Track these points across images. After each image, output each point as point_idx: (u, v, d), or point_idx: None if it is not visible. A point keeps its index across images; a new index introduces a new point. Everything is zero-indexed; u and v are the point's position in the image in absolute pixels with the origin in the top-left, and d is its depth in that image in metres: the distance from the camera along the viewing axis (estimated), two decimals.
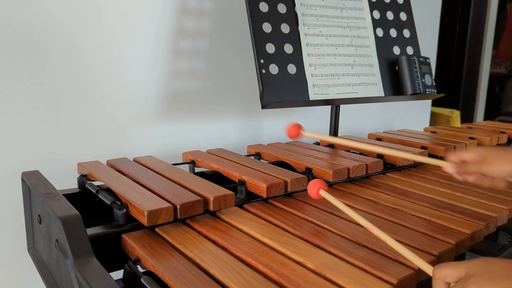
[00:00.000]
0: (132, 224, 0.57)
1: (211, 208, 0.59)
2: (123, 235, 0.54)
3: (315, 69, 1.00)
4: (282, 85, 0.93)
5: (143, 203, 0.55)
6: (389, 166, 0.90)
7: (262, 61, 0.91)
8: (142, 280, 0.45)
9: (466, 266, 0.38)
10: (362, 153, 0.95)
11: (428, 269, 0.44)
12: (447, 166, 0.61)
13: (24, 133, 0.89)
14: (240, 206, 0.65)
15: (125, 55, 1.00)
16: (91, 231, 0.54)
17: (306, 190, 0.73)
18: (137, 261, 0.50)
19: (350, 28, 1.09)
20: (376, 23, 1.14)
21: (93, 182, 0.68)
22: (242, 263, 0.47)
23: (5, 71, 0.85)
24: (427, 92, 1.16)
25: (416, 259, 0.45)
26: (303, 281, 0.43)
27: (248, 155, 0.90)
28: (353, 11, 1.10)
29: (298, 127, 0.74)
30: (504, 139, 1.18)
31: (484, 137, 1.12)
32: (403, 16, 1.20)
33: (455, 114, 2.08)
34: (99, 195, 0.62)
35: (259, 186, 0.67)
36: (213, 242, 0.53)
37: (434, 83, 1.19)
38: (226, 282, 0.43)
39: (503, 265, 0.37)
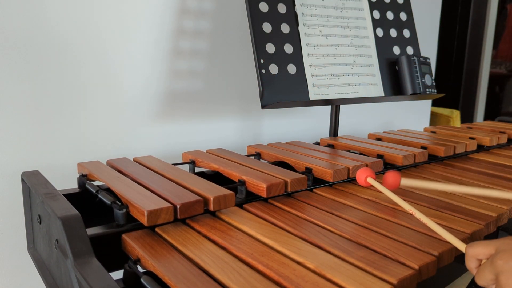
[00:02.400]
0: (132, 224, 0.57)
1: (211, 208, 0.59)
2: (123, 235, 0.54)
3: (315, 69, 1.00)
4: (282, 85, 0.93)
5: (143, 203, 0.55)
6: (389, 166, 0.90)
7: (262, 61, 0.91)
8: (142, 280, 0.45)
9: (496, 244, 0.42)
10: (362, 153, 0.95)
11: (461, 246, 0.49)
12: None
13: (24, 133, 0.89)
14: (240, 206, 0.65)
15: (125, 55, 1.00)
16: (91, 231, 0.54)
17: (306, 190, 0.74)
18: (137, 261, 0.50)
19: (350, 28, 1.09)
20: (376, 23, 1.14)
21: (93, 182, 0.68)
22: (242, 263, 0.47)
23: (4, 72, 0.85)
24: (427, 92, 1.16)
25: (451, 237, 0.51)
26: (303, 281, 0.43)
27: (248, 155, 0.90)
28: (353, 11, 1.10)
29: (397, 176, 0.69)
30: (504, 139, 1.18)
31: (484, 137, 1.12)
32: (403, 16, 1.20)
33: (455, 114, 2.08)
34: (99, 195, 0.62)
35: (259, 186, 0.67)
36: (213, 242, 0.53)
37: (434, 83, 1.19)
38: (226, 282, 0.43)
39: None
